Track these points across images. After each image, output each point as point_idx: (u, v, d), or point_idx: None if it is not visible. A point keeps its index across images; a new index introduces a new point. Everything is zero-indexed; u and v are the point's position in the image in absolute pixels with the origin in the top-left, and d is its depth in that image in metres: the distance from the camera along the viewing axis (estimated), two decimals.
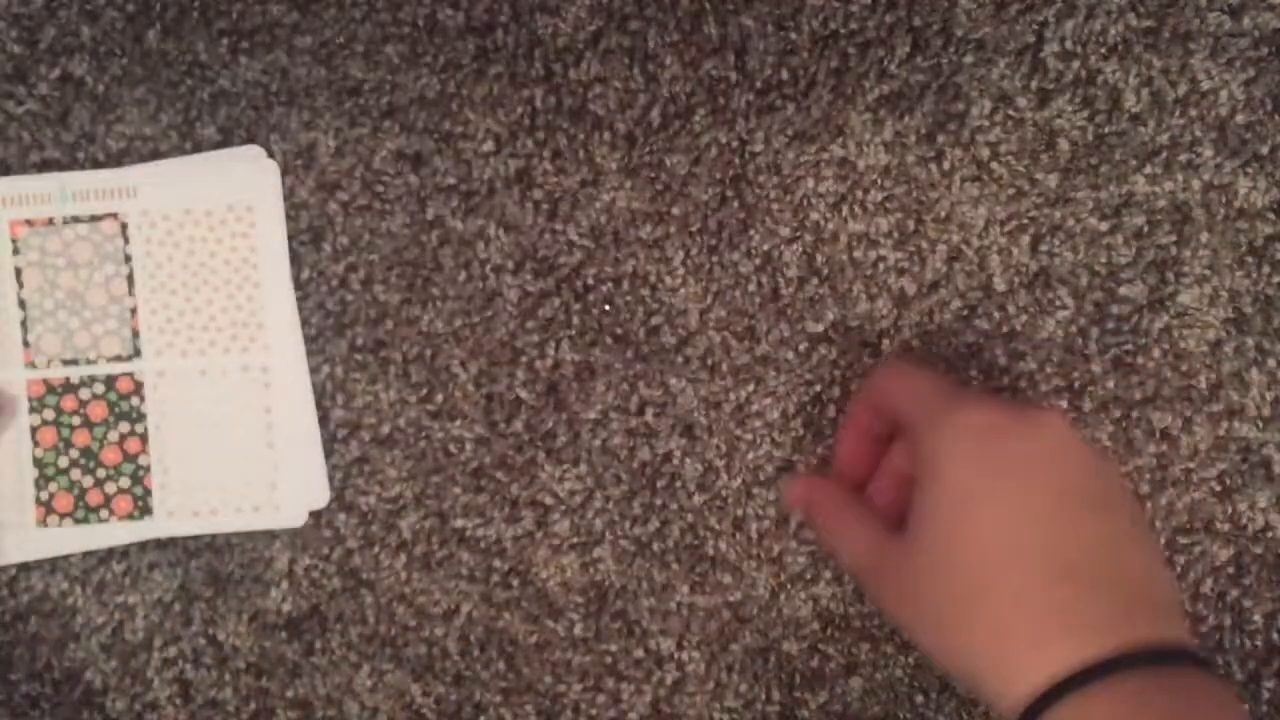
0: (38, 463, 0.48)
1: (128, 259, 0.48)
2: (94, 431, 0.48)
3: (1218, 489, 0.49)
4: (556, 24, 0.49)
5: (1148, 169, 0.49)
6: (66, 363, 0.48)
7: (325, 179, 0.49)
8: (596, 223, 0.49)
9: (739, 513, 0.49)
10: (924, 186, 0.49)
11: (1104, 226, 0.49)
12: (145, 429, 0.48)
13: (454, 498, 0.49)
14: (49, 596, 0.49)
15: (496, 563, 0.49)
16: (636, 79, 0.49)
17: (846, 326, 0.49)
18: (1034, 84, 0.49)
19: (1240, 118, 0.49)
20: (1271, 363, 0.49)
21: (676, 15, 0.49)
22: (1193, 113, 0.49)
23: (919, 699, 0.49)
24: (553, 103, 0.49)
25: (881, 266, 0.49)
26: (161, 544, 0.49)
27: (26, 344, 0.48)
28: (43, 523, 0.48)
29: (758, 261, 0.49)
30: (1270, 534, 0.49)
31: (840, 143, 0.49)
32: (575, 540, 0.49)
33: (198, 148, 0.49)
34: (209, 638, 0.49)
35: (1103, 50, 0.49)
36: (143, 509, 0.48)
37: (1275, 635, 0.49)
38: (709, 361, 0.49)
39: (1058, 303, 0.49)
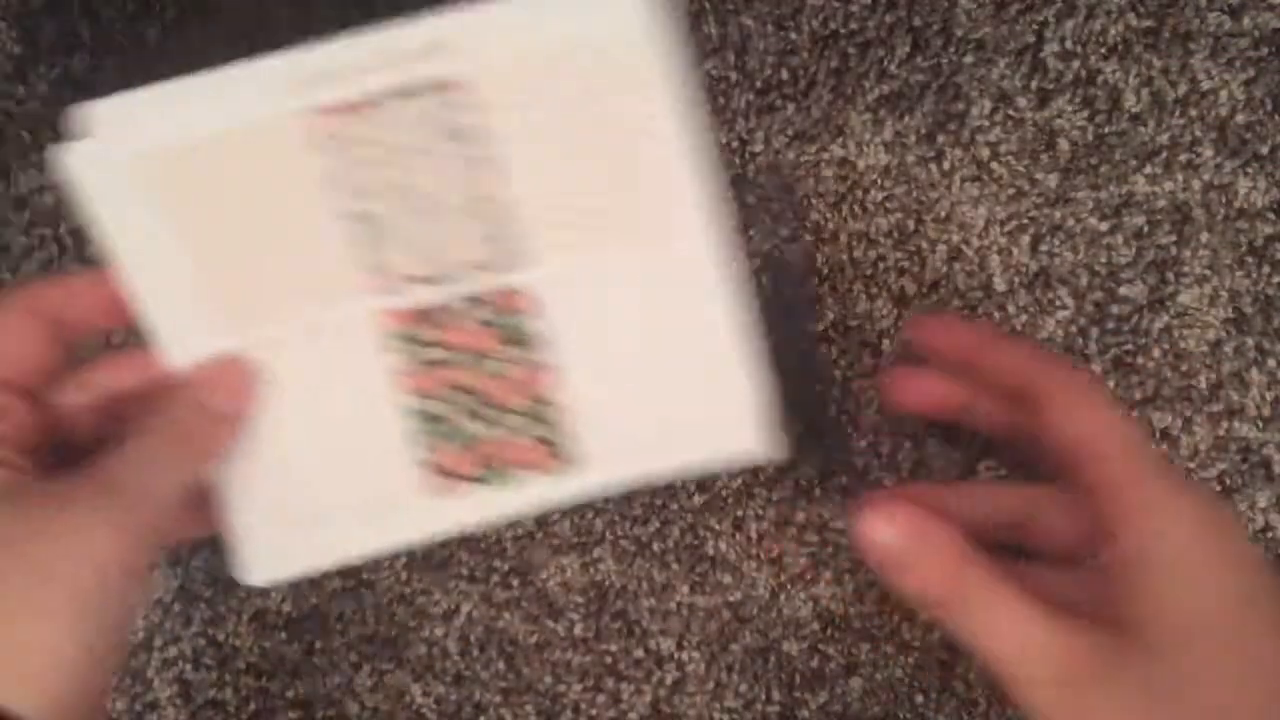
0: (410, 415, 0.36)
1: (489, 135, 0.34)
2: (480, 365, 0.36)
3: (1218, 489, 0.49)
4: None
5: (1148, 169, 0.49)
6: (431, 281, 0.35)
7: None
8: None
9: (739, 513, 0.49)
10: (924, 186, 0.49)
11: (1104, 226, 0.49)
12: (556, 359, 0.36)
13: None
14: None
15: (496, 563, 0.49)
16: None
17: (846, 326, 0.49)
18: (1034, 84, 0.49)
19: (1240, 118, 0.49)
20: (1271, 363, 0.49)
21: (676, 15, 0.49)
22: (1193, 113, 0.49)
23: (919, 699, 0.49)
24: None
25: (881, 266, 0.49)
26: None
27: (368, 266, 0.35)
28: (438, 494, 0.37)
29: (758, 262, 0.49)
30: (1270, 534, 0.49)
31: (840, 143, 0.49)
32: (575, 540, 0.49)
33: None
34: (209, 638, 0.49)
35: (1103, 50, 0.49)
36: (563, 459, 0.37)
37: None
38: None
39: (1058, 303, 0.49)
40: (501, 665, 0.49)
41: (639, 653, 0.49)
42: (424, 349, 0.36)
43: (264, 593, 0.49)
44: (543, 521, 0.49)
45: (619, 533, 0.49)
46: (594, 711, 0.49)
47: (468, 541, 0.49)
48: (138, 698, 0.49)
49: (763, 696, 0.49)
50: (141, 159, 0.34)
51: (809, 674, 0.49)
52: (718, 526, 0.49)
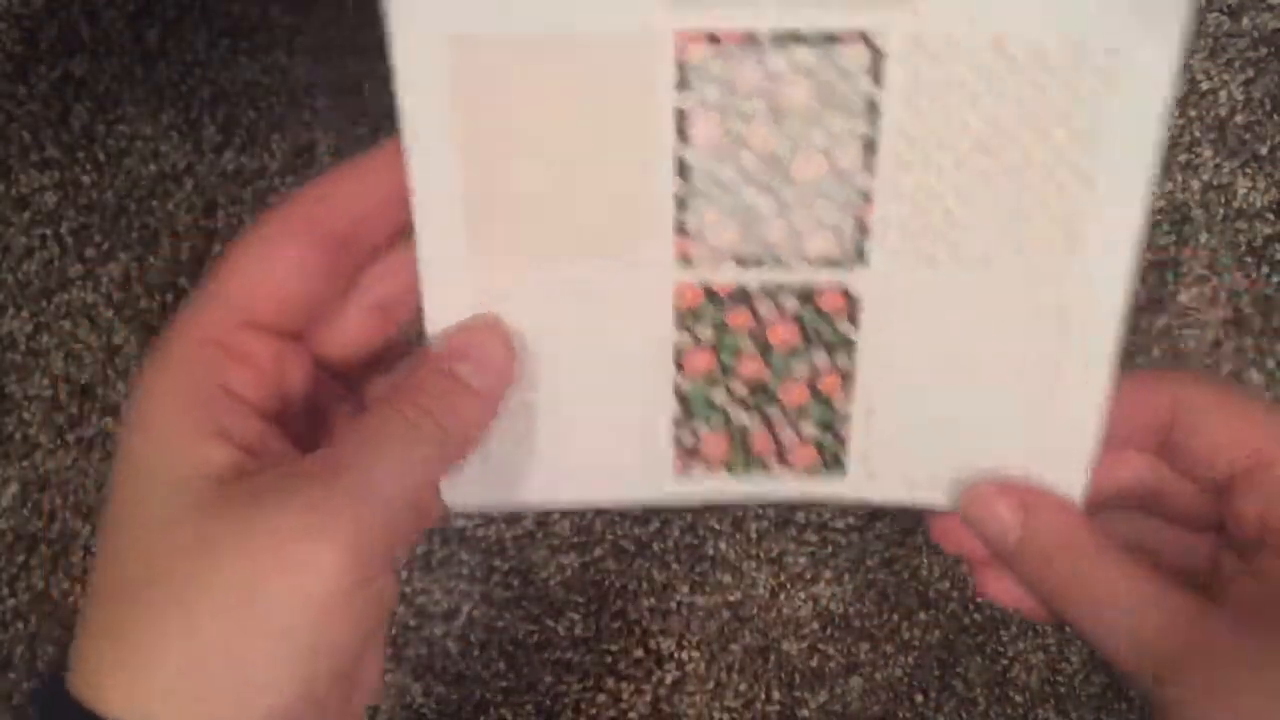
0: (681, 395, 0.32)
1: (873, 109, 0.29)
2: (773, 361, 0.32)
3: None
4: None
5: None
6: (744, 262, 0.31)
7: None
8: None
9: (739, 513, 0.49)
10: None
11: None
12: (852, 365, 0.32)
13: None
14: (48, 595, 0.49)
15: (496, 563, 0.49)
16: None
17: None
18: None
19: (1239, 118, 0.49)
20: (1270, 363, 0.49)
21: None
22: (1192, 113, 0.49)
23: (919, 698, 0.49)
24: None
25: None
26: None
27: (682, 229, 0.30)
28: (684, 473, 0.33)
29: None
30: None
31: None
32: (575, 540, 0.49)
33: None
34: None
35: None
36: (832, 462, 0.33)
37: None
38: None
39: None
40: (501, 665, 0.49)
41: (639, 653, 0.49)
42: (718, 332, 0.32)
43: None
44: (543, 521, 0.49)
45: (619, 533, 0.49)
46: (594, 711, 0.50)
47: (468, 541, 0.49)
48: None
49: (762, 696, 0.49)
50: (461, 40, 0.28)
51: (809, 673, 0.49)
52: (718, 526, 0.49)
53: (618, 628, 0.49)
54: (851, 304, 0.31)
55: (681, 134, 0.29)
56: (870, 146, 0.29)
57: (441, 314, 0.30)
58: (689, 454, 0.33)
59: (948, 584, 0.49)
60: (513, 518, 0.49)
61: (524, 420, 0.32)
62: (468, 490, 0.32)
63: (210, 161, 0.49)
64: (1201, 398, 0.30)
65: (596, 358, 0.32)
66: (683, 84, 0.29)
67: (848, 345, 0.32)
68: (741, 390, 0.32)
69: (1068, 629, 0.48)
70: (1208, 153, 0.49)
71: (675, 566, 0.49)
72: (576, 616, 0.49)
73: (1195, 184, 0.49)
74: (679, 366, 0.32)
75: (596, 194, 0.30)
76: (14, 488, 0.50)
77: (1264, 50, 0.49)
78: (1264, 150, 0.49)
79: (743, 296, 0.31)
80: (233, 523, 0.24)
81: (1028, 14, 0.28)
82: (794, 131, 0.29)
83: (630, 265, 0.31)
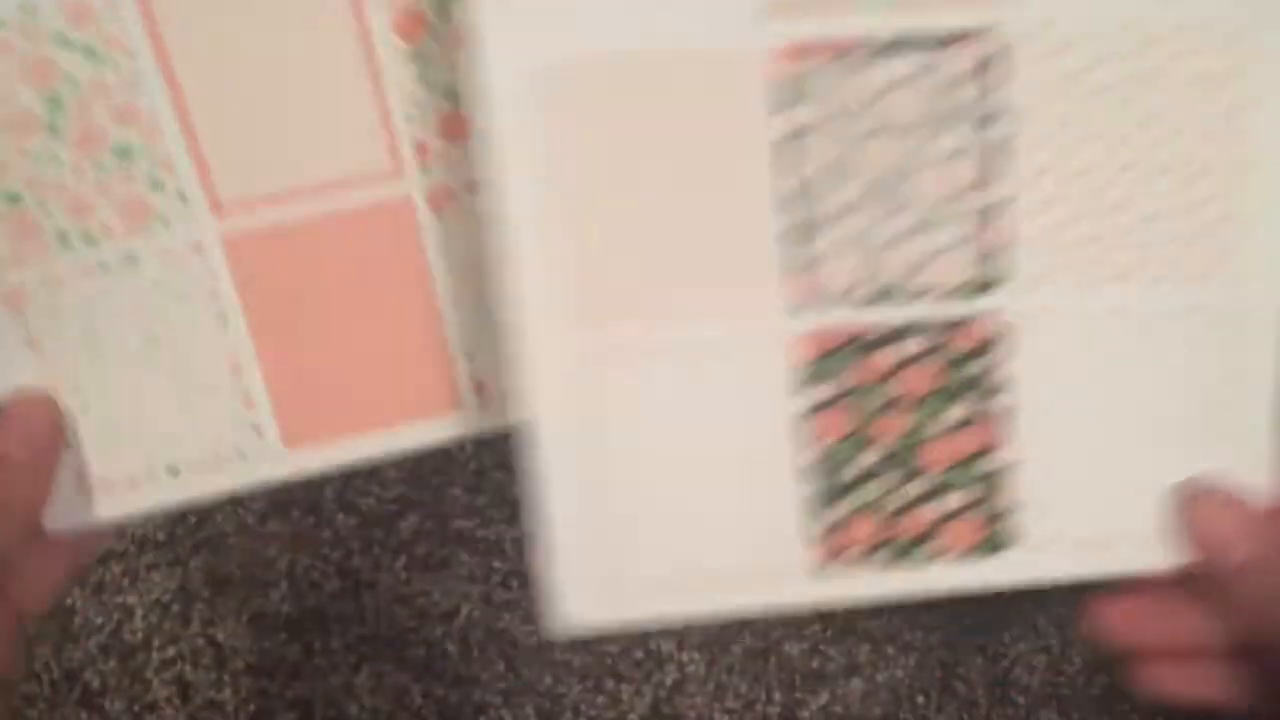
0: (816, 469, 0.28)
1: (994, 116, 0.26)
2: (915, 413, 0.28)
3: None
4: None
5: None
6: (866, 300, 0.27)
7: None
8: None
9: None
10: None
11: None
12: (1005, 406, 0.28)
13: (454, 498, 0.49)
14: None
15: (496, 563, 0.49)
16: None
17: None
18: None
19: None
20: None
21: None
22: None
23: (920, 700, 0.49)
24: None
25: None
26: (159, 544, 0.49)
27: (792, 270, 0.27)
28: (824, 564, 0.28)
29: None
30: None
31: None
32: None
33: None
34: (208, 638, 0.49)
35: None
36: (994, 540, 0.28)
37: None
38: None
39: None
40: (501, 666, 0.49)
41: (639, 653, 0.49)
42: (844, 387, 0.27)
43: (264, 592, 0.49)
44: None
45: None
46: (594, 713, 0.49)
47: (468, 542, 0.49)
48: (136, 698, 0.49)
49: (763, 697, 0.49)
50: (549, 73, 0.26)
51: (809, 675, 0.49)
52: None
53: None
54: (994, 337, 0.27)
55: (781, 158, 0.26)
56: (997, 155, 0.26)
57: (536, 385, 0.27)
58: (826, 544, 0.28)
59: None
60: (511, 516, 0.49)
61: (634, 525, 0.28)
62: (587, 606, 0.29)
63: None
64: None
65: (714, 434, 0.28)
66: (779, 105, 0.26)
67: (996, 386, 0.27)
68: (883, 457, 0.28)
69: (1068, 629, 0.48)
70: None
71: None
72: None
73: None
74: (805, 437, 0.27)
75: (699, 237, 0.27)
76: None
77: None
78: None
79: (869, 342, 0.27)
80: None
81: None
82: (907, 148, 0.26)
83: (740, 318, 0.27)
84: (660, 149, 0.26)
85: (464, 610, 0.49)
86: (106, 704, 0.49)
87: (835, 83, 0.26)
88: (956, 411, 0.28)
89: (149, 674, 0.49)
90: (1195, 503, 0.27)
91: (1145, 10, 0.25)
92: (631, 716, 0.49)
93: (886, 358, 0.27)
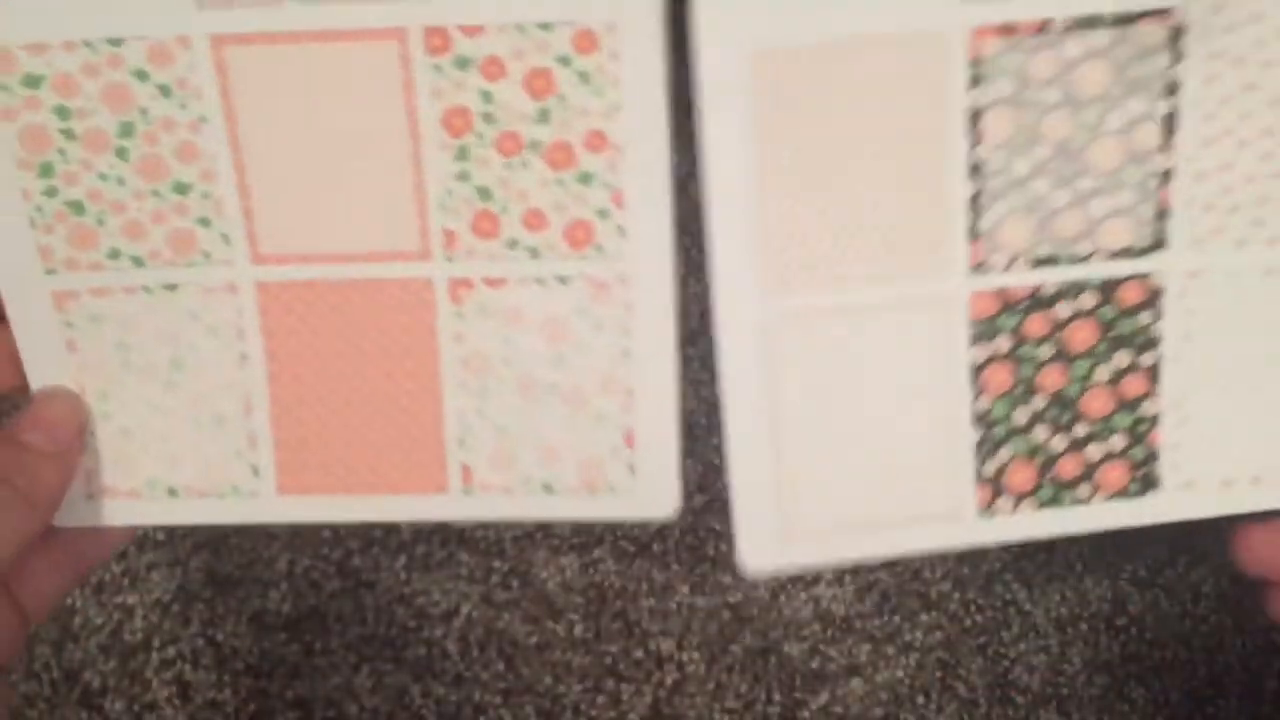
0: (982, 419, 0.30)
1: (1172, 85, 0.28)
2: (1073, 368, 0.30)
3: None
4: None
5: None
6: (1039, 261, 0.29)
7: None
8: None
9: None
10: None
11: None
12: (1157, 359, 0.30)
13: None
14: None
15: (496, 563, 0.49)
16: None
17: None
18: None
19: None
20: None
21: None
22: None
23: (920, 700, 0.49)
24: None
25: None
26: (159, 544, 0.49)
27: (975, 233, 0.29)
28: (987, 509, 0.31)
29: None
30: None
31: None
32: (575, 540, 0.49)
33: None
34: (208, 638, 0.49)
35: None
36: (1144, 481, 0.31)
37: (1276, 635, 0.49)
38: (709, 364, 0.49)
39: None
40: (501, 666, 0.49)
41: (639, 653, 0.49)
42: (1017, 342, 0.30)
43: (264, 592, 0.49)
44: (543, 521, 0.49)
45: (619, 533, 0.49)
46: (594, 712, 0.49)
47: (467, 542, 0.49)
48: (136, 698, 0.49)
49: (763, 697, 0.49)
50: (762, 56, 0.28)
51: (809, 675, 0.49)
52: (718, 527, 0.49)
53: (617, 629, 0.49)
54: (1153, 295, 0.30)
55: (975, 132, 0.29)
56: (1169, 124, 0.28)
57: (736, 344, 0.30)
58: (993, 487, 0.31)
59: (949, 585, 0.49)
60: None
61: (815, 474, 0.31)
62: (766, 552, 0.31)
63: None
64: None
65: (890, 388, 0.30)
66: (976, 80, 0.28)
67: (1151, 340, 0.30)
68: (1044, 406, 0.30)
69: (1068, 629, 0.48)
70: None
71: (675, 567, 0.49)
72: (576, 617, 0.49)
73: None
74: (978, 388, 0.30)
75: (890, 205, 0.29)
76: None
77: None
78: None
79: (1039, 300, 0.30)
80: None
81: None
82: (1090, 118, 0.28)
83: (924, 278, 0.29)
84: (863, 127, 0.29)
85: (464, 610, 0.49)
86: (106, 704, 0.49)
87: (1030, 57, 0.28)
88: (1115, 363, 0.30)
89: (149, 674, 0.49)
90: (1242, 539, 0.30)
91: None
92: (631, 716, 0.49)
93: (1055, 314, 0.30)
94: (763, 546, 0.31)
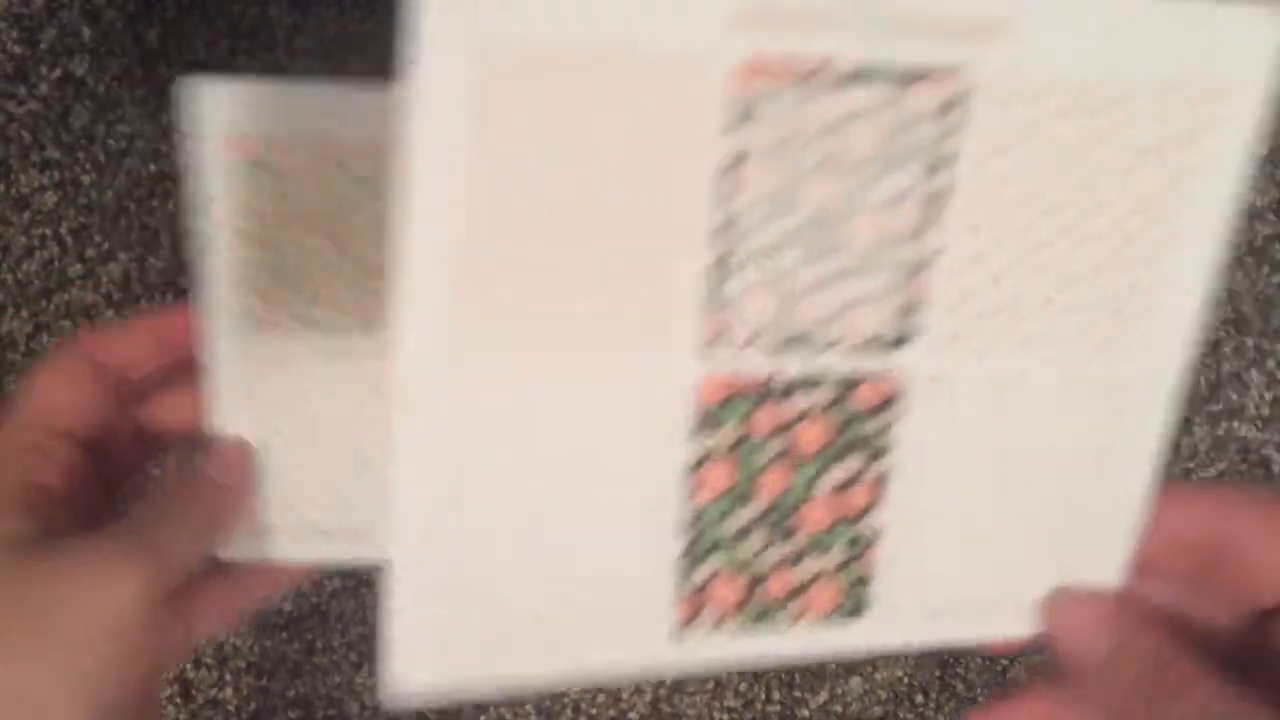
0: (692, 523, 0.26)
1: (945, 160, 0.24)
2: (798, 472, 0.26)
3: None
4: None
5: None
6: (777, 346, 0.25)
7: None
8: None
9: None
10: None
11: None
12: (887, 469, 0.27)
13: None
14: None
15: None
16: None
17: None
18: None
19: None
20: (1270, 363, 0.49)
21: None
22: None
23: (919, 698, 0.49)
24: None
25: None
26: None
27: (714, 302, 0.25)
28: (686, 625, 0.27)
29: None
30: None
31: None
32: None
33: None
34: (208, 638, 0.49)
35: None
36: (855, 604, 0.27)
37: None
38: None
39: None
40: None
41: None
42: (738, 436, 0.26)
43: None
44: None
45: None
46: (594, 711, 0.49)
47: None
48: None
49: (763, 696, 0.49)
50: (486, 54, 0.22)
51: (809, 673, 0.49)
52: None
53: None
54: (892, 396, 0.26)
55: (728, 184, 0.24)
56: (936, 204, 0.25)
57: (415, 393, 0.24)
58: (695, 601, 0.27)
59: None
60: None
61: (491, 566, 0.26)
62: (419, 671, 0.26)
63: None
64: (1252, 518, 0.27)
65: (588, 478, 0.26)
66: (735, 121, 0.23)
67: (884, 447, 0.26)
68: (761, 513, 0.26)
69: None
70: None
71: None
72: None
73: None
74: (692, 485, 0.26)
75: (618, 259, 0.24)
76: None
77: None
78: (1264, 150, 0.49)
79: (772, 389, 0.26)
80: (34, 571, 0.28)
81: (1125, 53, 0.24)
82: (851, 186, 0.24)
83: (647, 350, 0.25)
84: (598, 159, 0.23)
85: None
86: None
87: (793, 107, 0.24)
88: (840, 471, 0.26)
89: None
90: (1057, 603, 0.28)
91: (1118, 65, 0.24)
92: (631, 716, 0.49)
93: (788, 408, 0.26)
94: (417, 663, 0.26)
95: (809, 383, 0.26)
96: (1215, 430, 0.49)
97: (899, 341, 0.26)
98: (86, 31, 0.49)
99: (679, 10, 0.22)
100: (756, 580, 0.27)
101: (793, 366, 0.25)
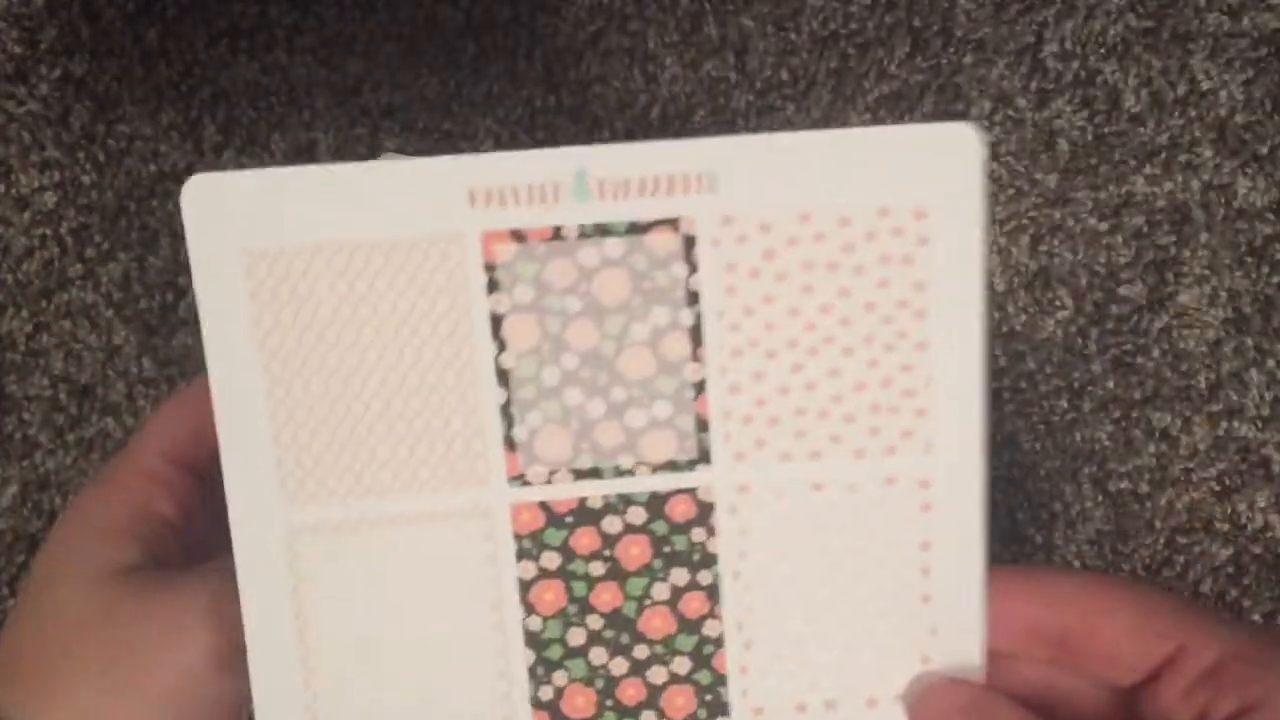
0: (533, 640, 0.28)
1: (693, 298, 0.27)
2: (628, 586, 0.28)
3: (1217, 489, 0.49)
4: (556, 24, 0.49)
5: (1147, 169, 0.49)
6: (581, 474, 0.28)
7: None
8: None
9: None
10: None
11: (1103, 226, 0.49)
12: (715, 578, 0.29)
13: None
14: None
15: None
16: (636, 79, 0.49)
17: None
18: (1033, 84, 0.49)
19: (1239, 118, 0.49)
20: (1270, 363, 0.49)
21: (676, 15, 0.49)
22: (1192, 113, 0.49)
23: None
24: (553, 103, 0.49)
25: None
26: None
27: (511, 443, 0.28)
28: None
29: None
30: (1269, 534, 0.49)
31: None
32: None
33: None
34: None
35: (1102, 51, 0.49)
36: (712, 707, 0.29)
37: None
38: None
39: (1057, 303, 0.49)
40: None
41: None
42: (566, 558, 0.28)
43: None
44: None
45: None
46: None
47: None
48: None
49: None
50: (256, 254, 0.27)
51: None
52: None
53: None
54: (703, 510, 0.28)
55: (499, 338, 0.27)
56: (697, 334, 0.27)
57: (252, 559, 0.28)
58: (548, 714, 0.28)
59: None
60: None
61: (347, 700, 0.28)
62: None
63: (210, 161, 0.49)
64: (1098, 598, 0.28)
65: (429, 608, 0.28)
66: (494, 285, 0.27)
67: (708, 557, 0.28)
68: (600, 626, 0.28)
69: None
70: (1208, 153, 0.49)
71: None
72: None
73: (1195, 184, 0.49)
74: (527, 606, 0.28)
75: (418, 412, 0.27)
76: (14, 488, 0.50)
77: (1264, 50, 0.49)
78: (1264, 150, 0.49)
79: (586, 513, 0.28)
80: (131, 600, 0.29)
81: (832, 186, 0.27)
82: (614, 328, 0.27)
83: (461, 490, 0.28)
84: (381, 329, 0.27)
85: None
86: None
87: (544, 264, 0.27)
88: (672, 581, 0.28)
89: None
90: (921, 691, 0.28)
91: (828, 197, 0.26)
92: None
93: (604, 529, 0.28)
94: None
95: (620, 504, 0.28)
96: (1215, 430, 0.49)
97: (695, 462, 0.28)
98: (86, 31, 0.49)
99: (423, 195, 0.26)
100: (607, 689, 0.29)
101: (600, 491, 0.28)
